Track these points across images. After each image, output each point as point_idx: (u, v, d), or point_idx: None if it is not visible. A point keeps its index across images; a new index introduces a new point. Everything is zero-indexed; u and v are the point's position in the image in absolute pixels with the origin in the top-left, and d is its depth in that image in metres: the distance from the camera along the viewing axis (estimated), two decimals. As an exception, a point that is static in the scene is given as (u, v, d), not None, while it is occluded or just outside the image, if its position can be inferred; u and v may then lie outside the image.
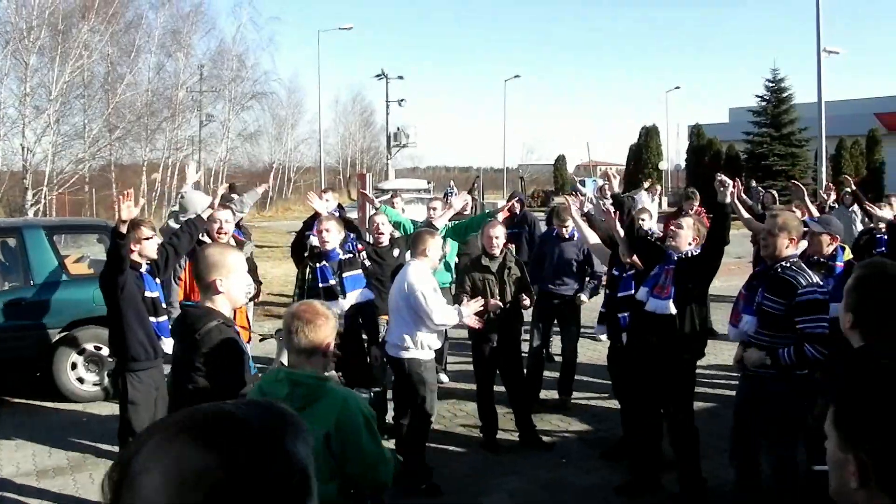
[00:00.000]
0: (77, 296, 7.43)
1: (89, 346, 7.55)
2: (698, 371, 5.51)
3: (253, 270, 6.79)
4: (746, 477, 4.77)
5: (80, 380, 7.59)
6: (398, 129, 39.14)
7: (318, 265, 6.26)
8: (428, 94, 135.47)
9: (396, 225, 7.65)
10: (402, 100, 41.08)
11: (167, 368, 4.09)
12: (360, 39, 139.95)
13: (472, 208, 13.83)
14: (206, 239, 6.18)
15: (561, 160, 65.71)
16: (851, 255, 5.99)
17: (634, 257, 5.73)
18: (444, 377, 8.15)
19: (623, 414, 6.09)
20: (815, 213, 7.01)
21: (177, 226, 6.33)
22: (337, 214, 7.47)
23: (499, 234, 6.39)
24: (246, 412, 0.96)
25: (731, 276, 11.70)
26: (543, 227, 9.44)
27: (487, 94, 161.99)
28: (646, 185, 14.10)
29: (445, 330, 6.24)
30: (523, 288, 6.42)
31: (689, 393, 5.25)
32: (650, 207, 9.59)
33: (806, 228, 5.19)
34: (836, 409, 1.28)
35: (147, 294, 5.21)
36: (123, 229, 4.76)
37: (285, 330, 2.86)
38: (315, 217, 6.85)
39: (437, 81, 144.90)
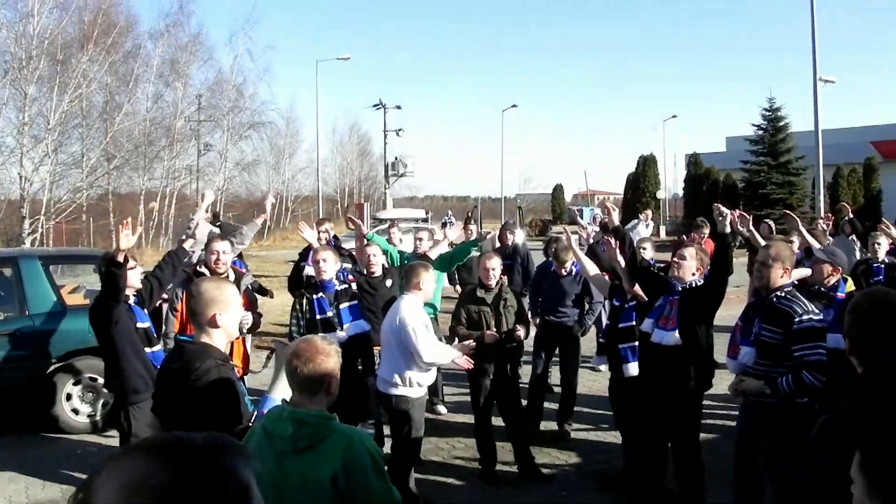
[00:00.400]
0: (73, 326, 7.37)
1: (85, 378, 7.50)
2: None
3: (254, 301, 6.76)
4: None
5: (76, 411, 7.54)
6: (396, 158, 39.32)
7: (314, 297, 6.22)
8: (426, 124, 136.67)
9: (383, 253, 7.62)
10: (399, 129, 41.37)
11: None
12: (357, 69, 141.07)
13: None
14: (205, 270, 6.15)
15: (558, 189, 65.89)
16: (854, 287, 5.97)
17: (636, 288, 5.71)
18: (441, 409, 8.09)
19: (625, 446, 6.03)
20: (815, 244, 6.97)
21: (193, 251, 6.30)
22: (332, 244, 7.47)
23: (495, 265, 6.36)
24: (197, 437, 1.08)
25: (730, 306, 11.63)
26: (536, 258, 9.46)
27: (485, 124, 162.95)
28: (641, 216, 14.21)
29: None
30: (520, 319, 6.39)
31: (695, 424, 5.20)
32: (644, 234, 9.61)
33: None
34: (863, 454, 1.25)
35: (139, 325, 5.19)
36: (120, 258, 4.73)
37: (287, 368, 2.81)
38: (310, 248, 6.82)
39: (434, 111, 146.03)
